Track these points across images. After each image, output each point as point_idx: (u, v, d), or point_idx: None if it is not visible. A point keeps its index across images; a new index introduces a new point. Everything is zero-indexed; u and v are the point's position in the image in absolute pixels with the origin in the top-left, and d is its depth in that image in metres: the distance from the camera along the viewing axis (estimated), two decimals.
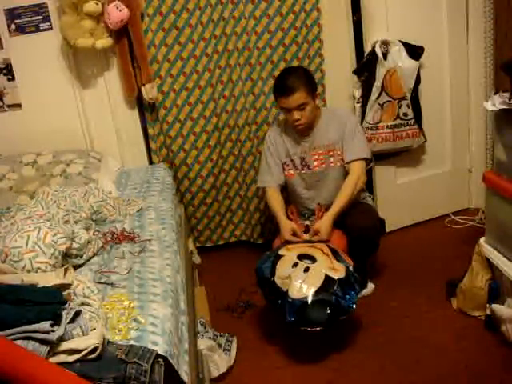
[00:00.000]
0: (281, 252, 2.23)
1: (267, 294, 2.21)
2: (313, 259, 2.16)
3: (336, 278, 2.08)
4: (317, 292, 2.04)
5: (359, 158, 2.46)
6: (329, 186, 2.54)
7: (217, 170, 2.99)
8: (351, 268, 2.16)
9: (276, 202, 2.54)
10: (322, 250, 2.19)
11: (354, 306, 2.09)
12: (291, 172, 2.59)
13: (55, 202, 2.11)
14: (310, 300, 2.04)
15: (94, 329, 1.27)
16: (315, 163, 2.53)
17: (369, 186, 3.05)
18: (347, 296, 2.08)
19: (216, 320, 2.45)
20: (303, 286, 2.06)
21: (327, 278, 2.07)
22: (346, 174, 2.50)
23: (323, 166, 2.53)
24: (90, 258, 1.85)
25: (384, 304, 2.50)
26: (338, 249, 2.27)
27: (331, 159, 2.51)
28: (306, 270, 2.11)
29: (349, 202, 2.43)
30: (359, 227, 2.38)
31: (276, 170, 2.58)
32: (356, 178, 2.44)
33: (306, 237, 2.38)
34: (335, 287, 2.06)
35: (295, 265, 2.14)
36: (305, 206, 2.62)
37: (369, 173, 3.03)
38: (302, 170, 2.56)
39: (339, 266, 2.14)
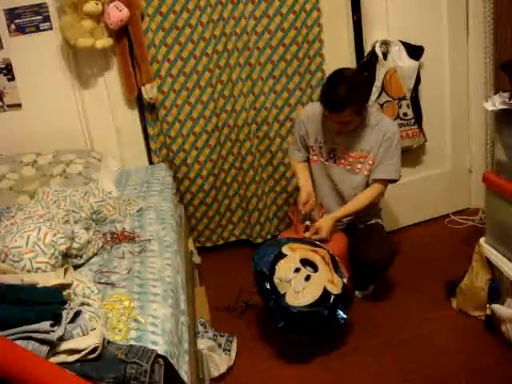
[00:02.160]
0: (284, 250, 2.21)
1: (262, 289, 2.18)
2: (314, 267, 2.15)
3: (333, 293, 2.09)
4: (312, 304, 2.05)
5: (387, 179, 2.40)
6: (344, 188, 2.47)
7: (217, 169, 2.99)
8: (345, 280, 2.18)
9: (299, 168, 2.56)
10: (323, 258, 2.18)
11: (343, 322, 2.11)
12: (315, 158, 2.51)
13: (55, 201, 2.11)
14: (304, 310, 2.04)
15: (94, 329, 1.27)
16: (342, 161, 2.44)
17: None
18: (339, 311, 2.10)
19: (216, 320, 2.45)
20: (301, 295, 2.06)
21: (325, 292, 2.08)
22: (366, 184, 2.43)
23: (348, 167, 2.43)
24: (90, 258, 1.85)
25: (384, 304, 2.50)
26: (337, 256, 2.27)
27: (359, 165, 2.41)
28: (307, 278, 2.11)
29: (355, 213, 2.42)
30: (370, 263, 2.35)
31: (301, 148, 2.54)
32: (374, 198, 2.39)
33: (307, 235, 2.39)
34: (330, 301, 2.07)
35: (297, 270, 2.13)
36: (318, 198, 2.55)
37: None
38: (327, 160, 2.47)
39: (337, 279, 2.15)
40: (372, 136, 2.37)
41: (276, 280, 2.12)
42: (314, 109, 2.47)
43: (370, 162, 2.39)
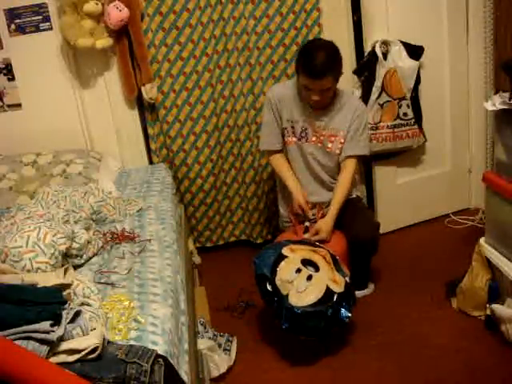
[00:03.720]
0: (284, 252, 2.21)
1: (264, 292, 2.19)
2: (316, 267, 2.15)
3: (336, 291, 2.08)
4: (316, 303, 2.05)
5: (358, 155, 2.44)
6: (316, 166, 2.50)
7: (217, 169, 2.99)
8: (348, 279, 2.18)
9: (285, 168, 2.52)
10: (324, 258, 2.18)
11: (347, 320, 2.11)
12: (289, 139, 2.51)
13: (55, 202, 2.11)
14: (308, 310, 2.04)
15: (94, 329, 1.27)
16: (313, 138, 2.46)
17: (369, 185, 3.06)
18: (342, 309, 2.10)
19: (216, 320, 2.45)
20: (304, 295, 2.06)
21: (328, 290, 2.07)
22: (337, 163, 2.48)
23: (320, 145, 2.46)
24: (90, 258, 1.85)
25: (384, 304, 2.50)
26: (338, 256, 2.27)
27: (329, 144, 2.44)
28: (309, 278, 2.10)
29: (346, 199, 2.45)
30: (360, 238, 2.37)
31: (278, 131, 2.52)
32: (351, 176, 2.44)
33: (307, 236, 2.38)
34: (334, 300, 2.07)
35: (298, 270, 2.12)
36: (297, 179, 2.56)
37: (369, 173, 3.05)
38: (299, 140, 2.49)
39: (339, 278, 2.14)
40: (343, 113, 2.41)
41: (278, 282, 2.12)
42: (283, 88, 2.50)
43: (342, 140, 2.43)
